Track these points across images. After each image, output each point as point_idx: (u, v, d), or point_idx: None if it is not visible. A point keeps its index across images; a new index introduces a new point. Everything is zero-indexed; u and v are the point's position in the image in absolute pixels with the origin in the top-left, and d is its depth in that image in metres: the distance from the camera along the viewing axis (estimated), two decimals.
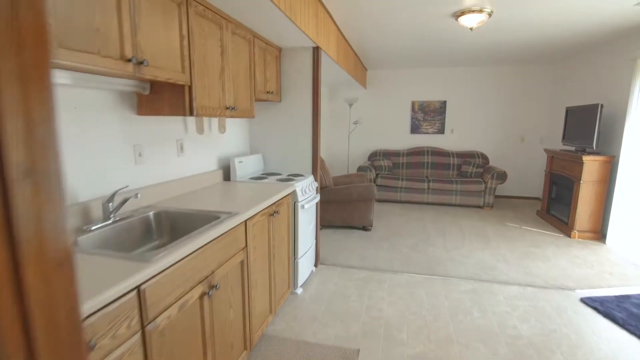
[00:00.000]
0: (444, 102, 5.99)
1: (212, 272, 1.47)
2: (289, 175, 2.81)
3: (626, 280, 2.93)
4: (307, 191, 2.66)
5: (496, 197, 6.07)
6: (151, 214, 1.70)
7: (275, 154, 3.03)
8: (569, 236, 4.00)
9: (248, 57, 2.29)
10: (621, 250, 3.58)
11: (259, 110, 3.00)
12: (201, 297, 1.39)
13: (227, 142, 2.71)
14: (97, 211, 1.55)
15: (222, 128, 2.51)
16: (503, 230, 4.27)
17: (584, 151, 4.00)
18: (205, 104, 1.81)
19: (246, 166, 2.73)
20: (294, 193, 2.48)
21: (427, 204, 5.58)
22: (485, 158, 5.73)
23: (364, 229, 4.20)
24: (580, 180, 3.86)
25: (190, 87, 1.69)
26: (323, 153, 6.31)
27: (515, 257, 3.41)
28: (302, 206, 2.54)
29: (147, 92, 1.73)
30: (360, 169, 5.51)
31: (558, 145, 5.20)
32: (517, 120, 5.82)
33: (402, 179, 5.50)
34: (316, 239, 3.10)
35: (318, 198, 2.90)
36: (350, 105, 6.01)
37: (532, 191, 5.97)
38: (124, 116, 1.73)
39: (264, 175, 2.76)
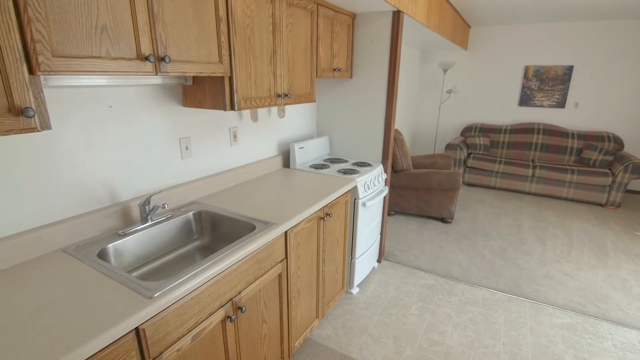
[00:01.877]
0: (570, 68, 4.74)
1: (239, 293, 1.34)
2: (354, 164, 2.51)
3: None
4: (371, 186, 2.35)
5: (627, 192, 4.81)
6: (191, 214, 1.63)
7: (343, 137, 2.73)
8: None
9: (309, 32, 1.96)
10: None
11: (326, 87, 2.68)
12: (223, 321, 1.28)
13: (289, 125, 2.50)
14: (137, 212, 1.53)
15: (281, 112, 2.29)
16: (629, 242, 3.34)
17: None
18: (250, 94, 1.60)
19: (308, 152, 2.51)
20: (354, 189, 2.19)
21: (530, 194, 4.70)
22: (618, 142, 4.48)
23: (443, 220, 3.72)
24: None
25: (230, 78, 1.48)
26: (407, 126, 5.72)
27: (639, 285, 2.63)
28: (363, 204, 2.25)
29: (189, 83, 1.58)
30: (449, 146, 4.84)
31: None
32: None
33: (501, 162, 4.67)
34: (381, 233, 2.81)
35: (386, 191, 2.56)
36: (445, 70, 5.20)
37: None
38: (169, 109, 1.62)
39: (326, 163, 2.51)
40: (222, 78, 1.47)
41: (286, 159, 2.49)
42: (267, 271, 1.49)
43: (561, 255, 3.07)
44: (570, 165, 4.42)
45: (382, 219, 2.76)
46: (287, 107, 2.44)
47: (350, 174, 2.25)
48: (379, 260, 2.88)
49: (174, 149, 1.68)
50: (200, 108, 1.65)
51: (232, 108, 1.52)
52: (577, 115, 4.86)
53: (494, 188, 4.89)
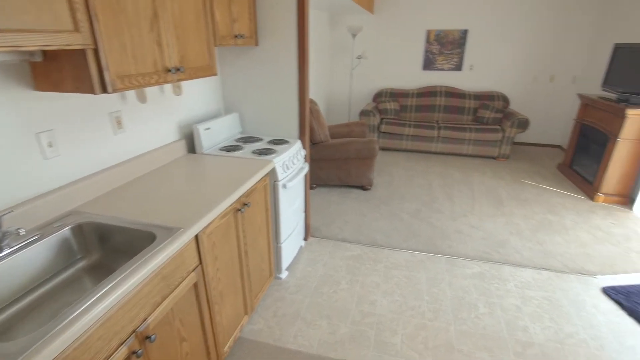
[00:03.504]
0: (465, 32, 5.07)
1: (143, 321, 1.10)
2: (270, 142, 2.31)
3: None
4: (291, 165, 2.19)
5: (514, 144, 5.51)
6: (67, 229, 1.28)
7: (255, 113, 2.49)
8: (592, 199, 3.57)
9: None
10: None
11: (230, 58, 2.37)
12: (127, 359, 1.05)
13: (189, 104, 2.16)
14: None
15: (177, 89, 1.95)
16: (518, 190, 3.84)
17: (627, 101, 3.35)
18: (128, 71, 1.26)
19: (216, 132, 2.22)
20: (272, 172, 2.01)
21: (436, 153, 5.06)
22: (505, 100, 5.04)
23: (363, 188, 3.79)
24: (617, 137, 3.29)
25: (96, 51, 1.13)
26: (321, 95, 5.62)
27: (530, 228, 3.03)
28: (284, 186, 2.10)
29: (39, 59, 1.18)
30: (362, 113, 4.89)
31: (595, 90, 4.47)
32: (547, 56, 4.97)
33: (410, 126, 4.90)
34: (305, 211, 2.72)
35: (307, 169, 2.44)
36: (354, 35, 5.14)
37: (555, 138, 5.38)
38: (14, 96, 1.20)
39: (239, 144, 2.26)
40: (84, 51, 1.11)
41: (191, 144, 2.17)
42: (178, 285, 1.27)
43: (467, 209, 3.38)
44: (468, 124, 4.84)
45: (304, 196, 2.65)
46: (185, 83, 2.09)
47: (267, 154, 2.06)
48: (305, 239, 2.81)
49: (29, 147, 1.28)
50: (60, 92, 1.26)
51: (104, 90, 1.18)
52: (472, 77, 5.30)
53: (405, 151, 5.16)
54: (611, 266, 2.54)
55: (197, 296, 1.41)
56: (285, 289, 2.29)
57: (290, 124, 2.44)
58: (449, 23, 5.09)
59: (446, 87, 5.24)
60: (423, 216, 3.24)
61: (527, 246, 2.78)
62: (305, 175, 2.61)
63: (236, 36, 1.98)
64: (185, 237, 1.25)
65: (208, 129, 2.13)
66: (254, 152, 2.10)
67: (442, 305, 2.17)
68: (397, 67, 5.52)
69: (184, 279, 1.30)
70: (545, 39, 4.88)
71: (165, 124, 1.97)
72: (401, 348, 1.86)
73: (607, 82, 3.73)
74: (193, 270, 1.35)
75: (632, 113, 3.16)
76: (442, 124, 4.92)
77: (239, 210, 1.66)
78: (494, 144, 4.71)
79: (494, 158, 4.84)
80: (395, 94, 5.37)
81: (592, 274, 2.47)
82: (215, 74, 1.81)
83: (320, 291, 2.27)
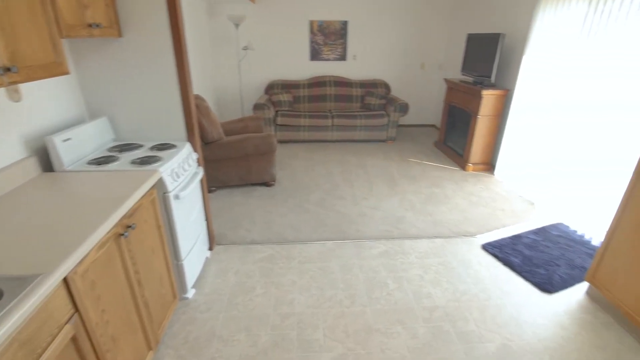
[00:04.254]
0: (345, 23, 5.30)
1: None
2: (153, 148, 2.01)
3: (516, 217, 3.13)
4: (181, 172, 1.95)
5: (398, 127, 6.03)
6: None
7: (130, 116, 2.13)
8: (464, 169, 4.16)
9: None
10: (507, 181, 3.84)
11: (89, 53, 1.97)
12: None
13: (38, 110, 1.72)
14: None
15: (13, 94, 1.52)
16: (406, 168, 4.23)
17: (481, 84, 3.95)
18: None
19: (80, 143, 1.83)
20: (159, 182, 1.75)
21: (332, 141, 5.24)
22: (387, 87, 5.47)
23: (267, 184, 3.68)
24: (477, 114, 3.86)
25: None
26: (208, 90, 5.24)
27: (420, 202, 3.37)
28: (176, 197, 1.86)
29: None
30: (256, 107, 4.73)
31: (457, 74, 5.17)
32: (417, 46, 5.55)
33: (305, 116, 4.95)
34: (207, 219, 2.49)
35: (201, 173, 2.21)
36: (237, 25, 4.89)
37: (429, 119, 6.09)
38: None
39: (113, 154, 1.91)
40: None
41: (47, 160, 1.74)
42: (48, 347, 0.99)
43: (366, 192, 3.58)
44: (357, 112, 5.12)
45: (203, 203, 2.42)
46: (25, 86, 1.65)
47: (150, 163, 1.78)
48: (210, 248, 2.59)
49: None
50: None
51: None
52: (356, 66, 5.59)
53: (303, 141, 5.21)
54: (485, 225, 2.99)
55: (79, 350, 1.13)
56: (195, 309, 2.06)
57: (175, 125, 2.17)
58: (330, 14, 5.25)
59: (334, 76, 5.43)
60: (328, 204, 3.30)
61: (420, 219, 3.07)
62: (201, 180, 2.38)
63: (90, 25, 1.63)
64: (48, 285, 0.97)
65: (68, 139, 1.74)
66: (133, 162, 1.79)
67: (356, 289, 2.24)
68: (286, 58, 5.48)
69: (55, 337, 1.02)
70: (414, 29, 5.43)
71: (6, 138, 1.53)
72: (324, 342, 1.86)
73: (465, 68, 4.34)
74: (67, 322, 1.08)
75: (486, 93, 3.73)
76: (335, 112, 5.09)
77: (122, 235, 1.39)
78: (381, 129, 5.08)
79: (383, 141, 5.24)
80: (287, 85, 5.34)
81: (472, 234, 2.86)
82: (66, 73, 1.46)
83: (235, 302, 2.11)
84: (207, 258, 2.50)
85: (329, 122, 4.98)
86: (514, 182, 3.75)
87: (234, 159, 3.43)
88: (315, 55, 5.46)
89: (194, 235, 2.16)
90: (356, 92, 5.40)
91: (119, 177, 1.63)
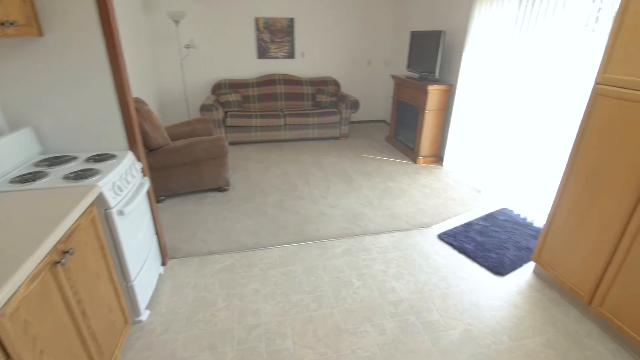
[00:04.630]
0: (292, 20, 5.23)
1: None
2: (89, 160, 1.80)
3: (466, 205, 3.30)
4: (124, 185, 1.77)
5: (350, 124, 6.09)
6: None
7: (58, 125, 1.89)
8: (415, 162, 4.31)
9: None
10: (455, 171, 4.05)
11: (5, 55, 1.71)
12: None
13: None
14: None
15: None
16: (361, 164, 4.28)
17: (427, 79, 4.11)
18: None
19: None
20: (99, 198, 1.57)
21: (285, 141, 5.15)
22: (337, 85, 5.50)
23: (220, 190, 3.52)
24: (425, 109, 4.01)
25: None
26: (149, 92, 4.89)
27: (377, 197, 3.42)
28: (120, 212, 1.68)
29: None
30: (203, 108, 4.51)
31: (403, 71, 5.33)
32: (364, 43, 5.64)
33: (256, 116, 4.81)
34: (157, 232, 2.30)
35: (147, 184, 2.03)
36: (177, 22, 4.61)
37: (379, 114, 6.23)
38: None
39: (41, 169, 1.68)
40: None
41: None
42: None
43: (324, 191, 3.56)
44: (309, 110, 5.08)
45: (152, 216, 2.23)
46: None
47: (87, 177, 1.59)
48: (163, 263, 2.40)
49: None
50: None
51: None
52: (305, 64, 5.55)
53: (256, 142, 5.07)
54: (439, 215, 3.11)
55: None
56: (151, 332, 1.89)
57: (113, 132, 1.97)
58: (275, 11, 5.14)
59: (283, 75, 5.34)
60: (287, 206, 3.23)
61: (378, 214, 3.12)
62: (148, 192, 2.19)
63: (3, 24, 1.41)
64: None
65: None
66: (66, 177, 1.59)
67: (322, 291, 2.21)
68: (232, 56, 5.28)
69: None
70: (360, 27, 5.51)
71: None
72: (294, 350, 1.80)
73: (410, 64, 4.49)
74: None
75: (432, 89, 3.89)
76: (287, 111, 5.01)
77: (58, 262, 1.21)
78: (334, 126, 5.10)
79: (336, 138, 5.27)
80: (235, 85, 5.15)
81: (428, 225, 2.96)
82: None
83: (195, 320, 1.97)
84: (160, 275, 2.31)
85: (281, 121, 4.89)
86: (461, 172, 3.95)
87: (183, 165, 3.22)
88: (262, 53, 5.33)
89: (143, 252, 1.98)
90: (307, 90, 5.36)
91: (49, 195, 1.43)
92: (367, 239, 2.77)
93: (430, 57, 3.97)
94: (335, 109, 5.10)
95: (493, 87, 3.35)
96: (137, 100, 3.20)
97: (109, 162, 1.78)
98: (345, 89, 5.88)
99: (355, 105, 4.97)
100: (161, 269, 2.34)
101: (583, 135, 1.92)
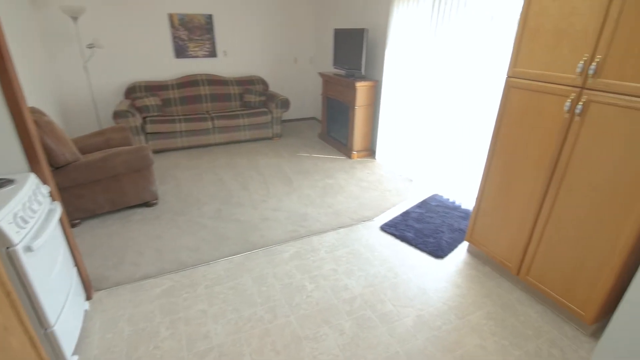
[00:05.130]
0: (210, 17, 4.94)
1: None
2: None
3: (401, 195, 3.47)
4: (29, 215, 1.48)
5: (283, 123, 6.01)
6: None
7: None
8: (350, 157, 4.41)
9: None
10: (387, 163, 4.23)
11: None
12: None
13: None
14: None
15: None
16: (298, 163, 4.24)
17: (353, 76, 4.21)
18: None
19: None
20: None
21: (216, 145, 4.88)
22: (265, 84, 5.36)
23: (148, 204, 3.18)
24: (354, 105, 4.11)
25: None
26: (49, 101, 4.23)
27: (318, 196, 3.42)
28: (28, 248, 1.40)
29: None
30: (117, 115, 4.04)
31: (330, 68, 5.39)
32: (288, 40, 5.58)
33: (180, 121, 4.46)
34: (77, 264, 1.98)
35: (59, 209, 1.73)
36: (75, 18, 4.04)
37: (310, 112, 6.25)
38: None
39: None
40: None
41: None
42: None
43: (264, 194, 3.44)
44: (239, 111, 4.88)
45: (68, 246, 1.92)
46: None
47: None
48: (89, 298, 2.09)
49: None
50: None
51: None
52: (228, 62, 5.30)
53: (183, 149, 4.71)
54: (379, 207, 3.22)
55: None
56: None
57: (7, 152, 1.63)
58: (191, 7, 4.80)
59: (206, 75, 5.04)
60: (226, 215, 3.05)
61: (322, 212, 3.12)
62: (60, 220, 1.87)
63: None
64: None
65: None
66: None
67: (275, 300, 2.12)
68: (146, 56, 4.81)
69: None
70: (282, 24, 5.43)
71: None
72: None
73: (336, 62, 4.56)
74: None
75: (359, 85, 3.99)
76: (214, 113, 4.74)
77: None
78: (266, 126, 4.98)
79: (269, 139, 5.15)
80: (151, 88, 4.71)
81: (370, 218, 3.04)
82: None
83: (136, 357, 1.75)
84: (86, 311, 2.00)
85: (209, 124, 4.61)
86: (393, 164, 4.15)
87: (101, 182, 2.84)
88: (180, 52, 4.95)
89: (63, 289, 1.69)
90: (233, 90, 5.13)
91: None
92: (314, 239, 2.74)
93: (355, 54, 4.07)
94: (265, 109, 4.97)
95: (416, 81, 3.56)
96: (34, 111, 2.73)
97: (5, 190, 1.46)
98: (273, 87, 5.77)
99: (285, 104, 4.90)
100: (86, 305, 2.03)
101: (500, 124, 2.12)
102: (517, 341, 1.86)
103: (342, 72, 4.67)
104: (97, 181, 2.82)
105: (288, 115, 6.08)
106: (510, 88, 2.02)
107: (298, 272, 2.37)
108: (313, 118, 6.30)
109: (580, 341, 1.86)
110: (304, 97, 6.09)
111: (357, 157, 4.41)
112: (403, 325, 1.96)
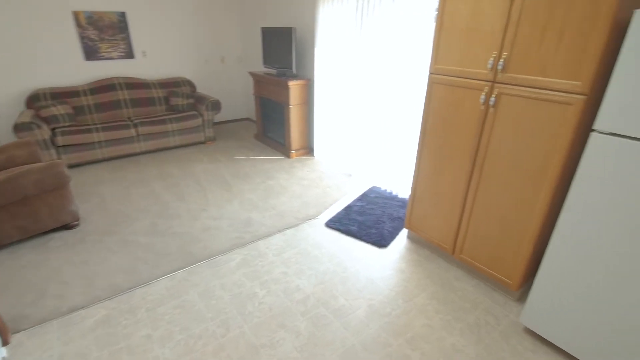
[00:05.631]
0: (123, 14, 4.52)
1: None
2: None
3: (341, 190, 3.56)
4: None
5: (215, 125, 5.76)
6: None
7: None
8: (289, 156, 4.40)
9: None
10: (326, 160, 4.31)
11: None
12: None
13: None
14: None
15: None
16: (236, 167, 4.11)
17: (285, 75, 4.19)
18: None
19: None
20: None
21: (143, 154, 4.51)
22: (191, 85, 5.09)
23: (68, 227, 2.83)
24: (289, 104, 4.10)
25: None
26: None
27: (260, 199, 3.36)
28: None
29: None
30: (19, 128, 3.51)
31: (259, 66, 5.29)
32: (213, 39, 5.35)
33: (98, 130, 4.03)
34: None
35: None
36: None
37: (243, 112, 6.08)
38: None
39: None
40: None
41: None
42: None
43: (203, 203, 3.28)
44: (165, 115, 4.56)
45: None
46: None
47: None
48: (5, 343, 1.79)
49: None
50: None
51: None
52: (149, 64, 4.91)
53: (104, 160, 4.28)
54: (322, 204, 3.27)
55: None
56: None
57: None
58: (99, 4, 4.35)
59: (124, 78, 4.62)
60: (162, 229, 2.85)
61: (266, 215, 3.07)
62: None
63: None
64: None
65: None
66: None
67: (227, 312, 2.04)
68: (48, 59, 4.24)
69: None
70: (205, 22, 5.18)
71: None
72: None
73: (266, 61, 4.49)
74: None
75: (292, 84, 3.99)
76: (137, 120, 4.37)
77: None
78: (198, 130, 4.74)
79: (203, 143, 4.91)
80: (59, 94, 4.18)
81: (314, 216, 3.08)
82: None
83: None
84: (4, 359, 1.73)
85: (132, 132, 4.24)
86: (331, 160, 4.24)
87: (6, 208, 2.45)
88: (91, 54, 4.46)
89: None
90: (157, 93, 4.78)
91: None
92: (261, 243, 2.69)
93: (285, 53, 4.05)
94: (195, 112, 4.72)
95: (347, 79, 3.66)
96: None
97: None
98: (202, 89, 5.49)
99: (216, 105, 4.71)
100: (4, 352, 1.75)
101: (427, 117, 2.28)
102: (458, 315, 2.04)
103: (273, 71, 4.61)
104: (1, 207, 2.43)
105: (220, 117, 5.86)
106: (433, 84, 2.18)
107: (247, 280, 2.31)
108: (247, 119, 6.15)
109: (510, 306, 2.10)
110: (236, 97, 5.91)
111: (296, 156, 4.42)
112: (356, 317, 2.02)
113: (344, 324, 1.97)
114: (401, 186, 3.42)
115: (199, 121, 4.67)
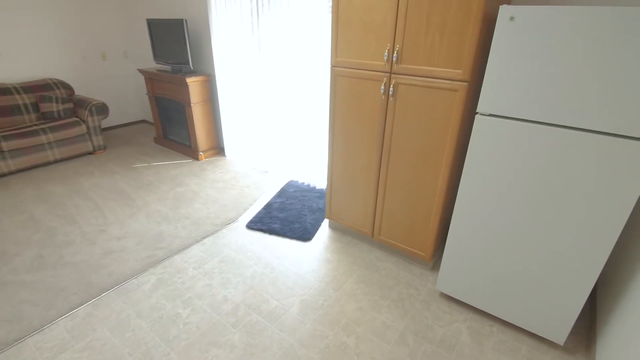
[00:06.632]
0: None
1: None
2: None
3: (259, 188, 3.46)
4: None
5: (104, 131, 5.04)
6: None
7: None
8: (197, 159, 4.11)
9: None
10: (239, 159, 4.14)
11: None
12: None
13: None
14: None
15: None
16: (136, 176, 3.69)
17: (181, 71, 3.87)
18: None
19: None
20: None
21: (11, 174, 3.73)
22: (68, 87, 4.35)
23: None
24: (190, 103, 3.80)
25: None
26: None
27: (170, 209, 3.08)
28: None
29: None
30: None
31: (151, 63, 4.77)
32: (91, 34, 4.63)
33: None
34: None
35: None
36: None
37: (137, 114, 5.45)
38: None
39: None
40: None
41: None
42: None
43: (100, 223, 2.87)
44: (37, 125, 3.83)
45: None
46: None
47: None
48: None
49: None
50: None
51: None
52: (7, 66, 4.04)
53: None
54: (241, 206, 3.14)
55: None
56: None
57: None
58: None
59: None
60: (52, 261, 2.41)
61: (179, 226, 2.83)
62: None
63: None
64: None
65: None
66: None
67: (148, 342, 1.83)
68: None
69: None
70: (80, 14, 4.45)
71: None
72: None
73: (157, 56, 4.08)
74: None
75: (191, 81, 3.70)
76: (0, 133, 3.59)
77: None
78: (82, 139, 4.10)
79: (91, 153, 4.27)
80: None
81: (234, 219, 2.94)
82: None
83: None
84: None
85: None
86: (245, 158, 4.09)
87: None
88: None
89: None
90: (22, 99, 3.97)
91: None
92: (177, 258, 2.47)
93: (178, 47, 3.73)
94: (76, 118, 4.06)
95: (250, 72, 3.54)
96: None
97: None
98: (82, 91, 4.74)
99: (102, 109, 4.12)
100: None
101: (335, 109, 2.33)
102: (384, 293, 2.17)
103: (167, 67, 4.22)
104: None
105: (110, 121, 5.16)
106: (336, 76, 2.23)
107: (167, 301, 2.10)
108: (143, 121, 5.54)
109: (426, 276, 2.32)
110: (127, 98, 5.26)
111: (206, 158, 4.15)
112: (290, 316, 2.00)
113: (278, 326, 1.94)
114: (318, 177, 3.48)
115: (82, 129, 4.04)
